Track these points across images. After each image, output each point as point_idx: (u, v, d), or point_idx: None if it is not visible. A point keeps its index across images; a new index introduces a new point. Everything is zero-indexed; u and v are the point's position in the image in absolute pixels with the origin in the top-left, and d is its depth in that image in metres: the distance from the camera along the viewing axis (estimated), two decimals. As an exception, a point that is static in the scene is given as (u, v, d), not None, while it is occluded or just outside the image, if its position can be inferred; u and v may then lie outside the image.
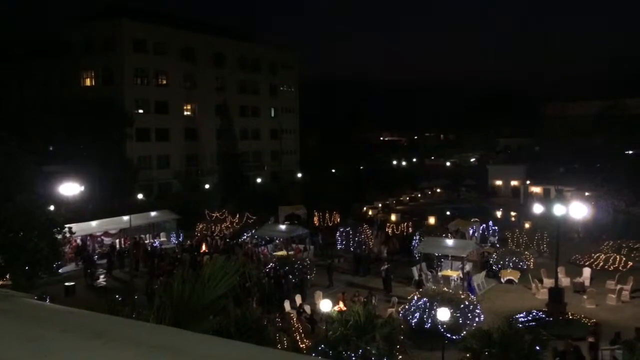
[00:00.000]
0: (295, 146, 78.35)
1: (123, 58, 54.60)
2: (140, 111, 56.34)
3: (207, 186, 55.79)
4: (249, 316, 12.90)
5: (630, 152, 59.30)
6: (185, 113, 61.85)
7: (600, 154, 53.28)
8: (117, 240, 35.20)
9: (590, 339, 17.27)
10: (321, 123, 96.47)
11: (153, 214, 38.58)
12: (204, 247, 34.37)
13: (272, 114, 73.98)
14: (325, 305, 18.74)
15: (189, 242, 36.80)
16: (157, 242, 36.37)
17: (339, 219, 43.47)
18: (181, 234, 38.51)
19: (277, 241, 34.92)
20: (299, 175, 70.13)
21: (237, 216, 43.05)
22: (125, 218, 33.13)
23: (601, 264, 30.77)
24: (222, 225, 41.12)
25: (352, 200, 53.04)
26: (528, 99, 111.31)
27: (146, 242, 36.37)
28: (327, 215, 44.36)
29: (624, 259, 31.05)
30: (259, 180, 65.29)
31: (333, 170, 76.84)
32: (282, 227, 35.72)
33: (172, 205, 42.76)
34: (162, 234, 39.00)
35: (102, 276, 28.89)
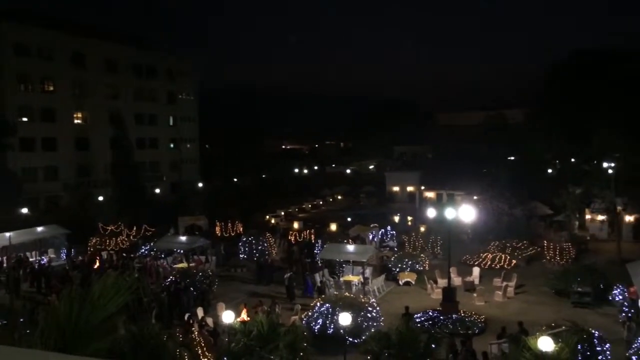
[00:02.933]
0: (196, 155, 76.62)
1: (2, 62, 50.54)
2: (24, 119, 52.47)
3: (100, 198, 52.96)
4: (145, 333, 12.39)
5: (512, 158, 64.22)
6: (76, 121, 58.37)
7: (485, 160, 57.16)
8: (-1, 259, 32.38)
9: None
10: (224, 132, 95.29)
11: (39, 229, 35.95)
12: (97, 263, 32.56)
13: (171, 122, 71.86)
14: (228, 317, 18.41)
15: (80, 258, 34.72)
16: (44, 260, 33.89)
17: (241, 229, 43.13)
18: (72, 250, 36.22)
19: (177, 253, 33.87)
20: (200, 185, 68.68)
21: (134, 229, 41.34)
22: (7, 234, 30.58)
23: (488, 263, 33.01)
24: (118, 239, 39.26)
25: (254, 209, 52.82)
26: (423, 109, 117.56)
27: (32, 260, 33.78)
28: (229, 225, 43.86)
29: (509, 257, 33.51)
30: (157, 190, 63.05)
31: (235, 180, 76.10)
32: (183, 238, 34.75)
33: (62, 219, 40.09)
34: (50, 250, 36.42)
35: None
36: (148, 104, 67.38)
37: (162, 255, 33.88)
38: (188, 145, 74.14)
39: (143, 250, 35.22)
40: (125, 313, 17.70)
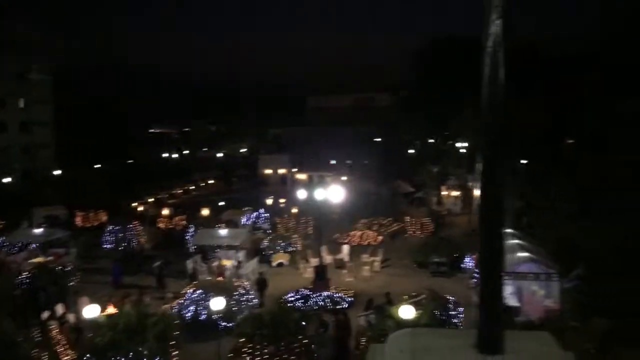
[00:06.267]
0: (51, 140, 70.51)
1: None
2: None
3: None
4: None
5: (379, 139, 67.41)
6: None
7: (353, 142, 59.47)
8: None
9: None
10: (85, 114, 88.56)
11: None
12: None
13: (22, 105, 65.33)
14: (92, 311, 17.37)
15: None
16: None
17: (105, 218, 40.82)
18: None
19: (32, 247, 31.12)
20: (57, 172, 63.46)
21: (-20, 222, 37.34)
22: None
23: (357, 240, 34.55)
24: (-40, 235, 35.14)
25: (120, 196, 50.13)
26: (294, 93, 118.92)
27: None
28: (92, 214, 41.29)
29: (375, 234, 35.35)
30: (7, 179, 57.25)
31: (98, 166, 71.57)
32: (38, 230, 32.07)
33: None
34: None
35: None
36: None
37: (15, 250, 30.99)
38: (42, 130, 67.98)
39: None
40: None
